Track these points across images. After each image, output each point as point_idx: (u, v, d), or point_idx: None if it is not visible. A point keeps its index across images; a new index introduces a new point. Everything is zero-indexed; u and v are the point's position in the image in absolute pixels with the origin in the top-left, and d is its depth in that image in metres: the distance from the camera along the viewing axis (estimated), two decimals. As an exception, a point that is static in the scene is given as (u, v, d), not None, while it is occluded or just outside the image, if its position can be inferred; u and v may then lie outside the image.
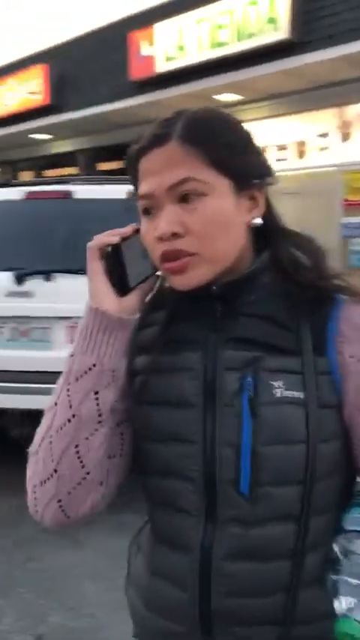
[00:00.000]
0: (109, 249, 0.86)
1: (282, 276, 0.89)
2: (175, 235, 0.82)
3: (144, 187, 0.84)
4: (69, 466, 0.84)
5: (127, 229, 0.89)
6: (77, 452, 0.84)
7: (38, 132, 11.24)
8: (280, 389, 0.83)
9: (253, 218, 0.88)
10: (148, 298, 0.93)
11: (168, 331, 0.91)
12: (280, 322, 0.86)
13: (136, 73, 8.76)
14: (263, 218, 0.89)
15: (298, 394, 0.83)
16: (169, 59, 8.33)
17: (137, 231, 0.89)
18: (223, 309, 0.88)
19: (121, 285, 0.87)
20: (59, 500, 0.85)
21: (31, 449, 0.88)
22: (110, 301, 0.86)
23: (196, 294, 0.87)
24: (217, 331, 0.88)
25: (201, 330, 0.89)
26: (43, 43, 10.51)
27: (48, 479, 0.85)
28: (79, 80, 9.88)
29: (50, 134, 11.36)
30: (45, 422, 0.86)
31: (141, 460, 0.91)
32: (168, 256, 0.83)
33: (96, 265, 0.86)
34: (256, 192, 0.88)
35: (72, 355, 0.86)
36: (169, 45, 8.30)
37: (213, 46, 7.81)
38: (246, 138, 0.88)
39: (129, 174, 0.89)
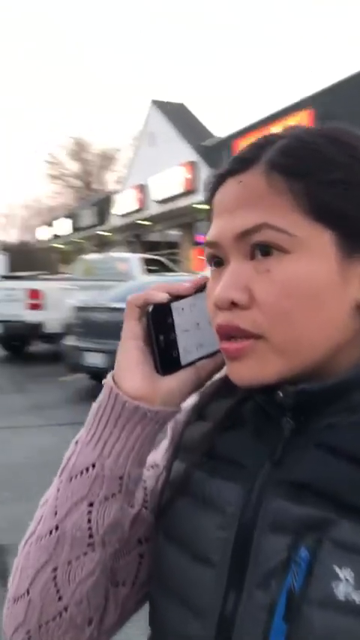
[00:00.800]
0: (150, 308, 0.63)
1: None
2: (234, 305, 0.58)
3: (211, 230, 0.61)
4: (41, 593, 0.62)
5: (188, 284, 0.66)
6: (54, 577, 0.61)
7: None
8: (346, 583, 0.51)
9: None
10: (212, 382, 0.68)
11: (218, 435, 0.65)
12: None
13: None
14: None
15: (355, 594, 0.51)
16: None
17: (204, 287, 0.65)
18: (295, 430, 0.60)
19: (165, 359, 0.63)
20: (27, 632, 0.63)
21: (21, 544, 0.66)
22: (134, 380, 0.61)
23: (263, 398, 0.62)
24: (276, 463, 0.59)
25: (256, 452, 0.61)
26: (309, 88, 10.72)
27: (20, 598, 0.63)
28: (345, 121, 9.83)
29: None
30: (34, 518, 0.65)
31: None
32: (224, 333, 0.59)
33: (132, 327, 0.63)
34: None
35: (76, 442, 0.63)
36: None
37: None
38: None
39: (208, 208, 0.65)
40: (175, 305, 0.64)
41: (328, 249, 0.56)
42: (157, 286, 0.64)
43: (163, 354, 0.63)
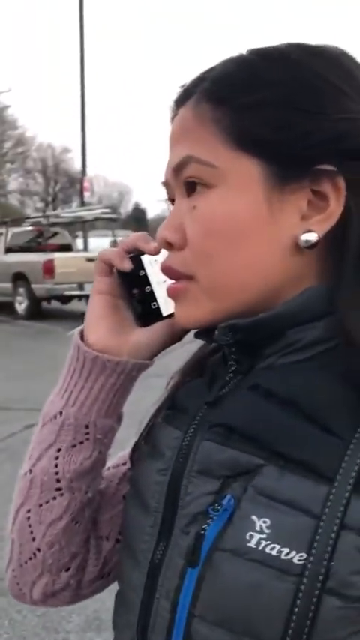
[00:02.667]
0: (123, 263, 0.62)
1: (348, 339, 0.51)
2: (171, 245, 0.56)
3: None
4: (19, 532, 0.64)
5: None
6: (28, 518, 0.63)
7: None
8: (260, 534, 0.49)
9: (307, 231, 0.52)
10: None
11: (181, 389, 0.64)
12: (313, 415, 0.51)
13: None
14: (336, 231, 0.52)
15: (291, 554, 0.47)
16: None
17: None
18: (239, 371, 0.57)
19: (144, 312, 0.63)
20: (13, 570, 0.66)
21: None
22: (98, 332, 0.62)
23: (206, 339, 0.61)
24: (209, 403, 0.57)
25: (200, 397, 0.59)
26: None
27: (8, 536, 0.66)
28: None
29: None
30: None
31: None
32: (164, 273, 0.58)
33: (98, 282, 0.63)
34: (327, 183, 0.51)
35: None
36: None
37: None
38: (329, 82, 0.51)
39: None
40: (145, 258, 0.63)
41: (254, 180, 0.52)
42: (129, 240, 0.62)
43: (140, 306, 0.63)
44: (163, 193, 0.61)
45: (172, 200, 0.59)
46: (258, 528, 0.49)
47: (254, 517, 0.49)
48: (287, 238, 0.52)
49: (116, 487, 0.69)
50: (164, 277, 0.60)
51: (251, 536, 0.49)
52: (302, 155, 0.51)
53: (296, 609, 0.46)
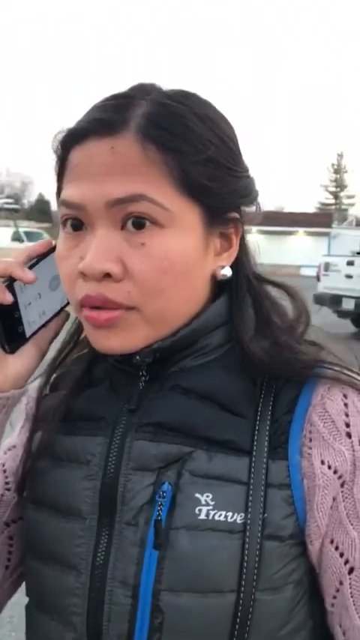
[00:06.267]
0: None
1: (240, 342, 0.63)
2: (107, 276, 0.58)
3: (73, 192, 0.59)
4: None
5: (27, 255, 0.65)
6: None
7: None
8: (206, 507, 0.58)
9: (222, 266, 0.63)
10: (59, 345, 0.70)
11: (73, 398, 0.67)
12: (225, 404, 0.61)
13: None
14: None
15: (234, 517, 0.58)
16: None
17: (53, 249, 0.64)
18: (150, 379, 0.64)
19: (11, 337, 0.63)
20: None
21: None
22: None
23: (116, 360, 0.65)
24: (133, 410, 0.63)
25: (113, 404, 0.64)
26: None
27: None
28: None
29: None
30: None
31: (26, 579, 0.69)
32: (91, 303, 0.59)
33: None
34: (232, 228, 0.63)
35: None
36: None
37: None
38: (234, 143, 0.63)
39: (55, 163, 0.63)
40: (16, 284, 0.63)
41: (196, 225, 0.59)
42: (3, 267, 0.63)
43: (9, 333, 0.63)
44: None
45: (76, 221, 0.60)
46: (204, 502, 0.58)
47: (197, 495, 0.58)
48: (208, 272, 0.62)
49: None
50: (29, 299, 0.64)
51: (200, 510, 0.58)
52: (225, 204, 0.61)
53: (246, 557, 0.57)
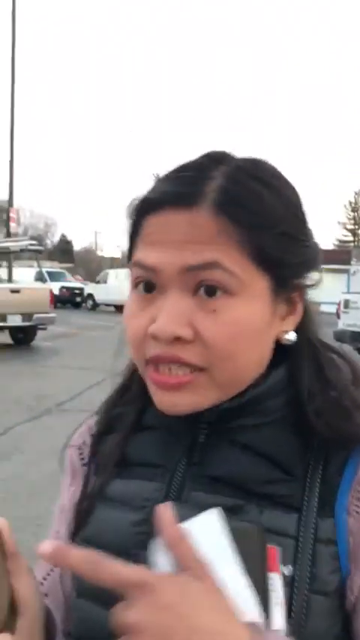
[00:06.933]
0: None
1: (299, 406, 0.66)
2: (177, 339, 0.60)
3: (149, 255, 0.62)
4: None
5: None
6: None
7: None
8: None
9: (287, 331, 0.66)
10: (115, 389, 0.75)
11: (128, 442, 0.70)
12: (280, 463, 0.64)
13: None
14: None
15: (283, 568, 0.58)
16: None
17: None
18: (209, 432, 0.67)
19: None
20: None
21: None
22: None
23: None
24: (192, 461, 0.66)
25: (170, 453, 0.67)
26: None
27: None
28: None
29: None
30: None
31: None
32: (158, 362, 0.62)
33: None
34: (297, 294, 0.66)
35: None
36: None
37: None
38: (301, 212, 0.66)
39: (129, 227, 0.66)
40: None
41: (265, 293, 0.62)
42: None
43: None
44: (126, 264, 0.66)
45: (148, 283, 0.62)
46: None
47: None
48: (274, 336, 0.65)
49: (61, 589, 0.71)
50: None
51: None
52: (292, 273, 0.64)
53: (293, 608, 0.58)
